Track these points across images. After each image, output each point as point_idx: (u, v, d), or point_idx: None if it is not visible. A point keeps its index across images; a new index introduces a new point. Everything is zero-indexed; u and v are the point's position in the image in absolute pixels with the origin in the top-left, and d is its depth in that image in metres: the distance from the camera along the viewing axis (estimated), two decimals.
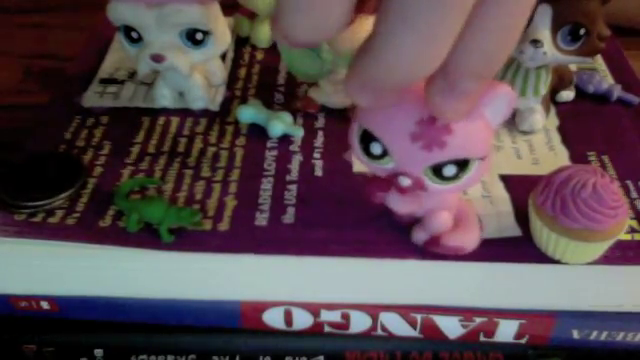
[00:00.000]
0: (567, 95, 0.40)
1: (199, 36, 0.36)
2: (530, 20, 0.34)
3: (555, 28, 0.34)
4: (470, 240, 0.31)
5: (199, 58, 0.37)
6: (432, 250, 0.30)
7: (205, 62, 0.39)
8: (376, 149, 0.27)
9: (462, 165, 0.27)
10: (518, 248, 0.31)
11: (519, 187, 0.34)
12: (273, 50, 0.44)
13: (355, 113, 0.28)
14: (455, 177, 0.27)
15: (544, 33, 0.34)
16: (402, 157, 0.27)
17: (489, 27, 0.20)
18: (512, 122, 0.38)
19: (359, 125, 0.28)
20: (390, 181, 0.28)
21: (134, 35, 0.36)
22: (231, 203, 0.33)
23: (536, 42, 0.34)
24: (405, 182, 0.28)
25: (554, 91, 0.39)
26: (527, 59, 0.35)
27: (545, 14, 0.33)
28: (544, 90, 0.37)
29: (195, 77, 0.39)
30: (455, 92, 0.22)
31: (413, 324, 0.32)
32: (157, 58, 0.36)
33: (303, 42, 0.20)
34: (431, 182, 0.28)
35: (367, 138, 0.28)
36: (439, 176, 0.27)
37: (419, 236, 0.31)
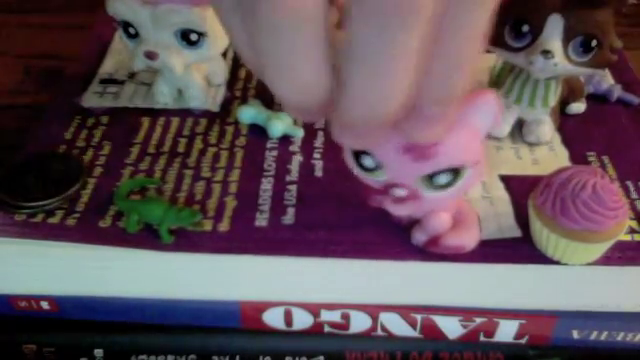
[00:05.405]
0: (577, 107, 0.39)
1: (193, 37, 0.36)
2: (541, 31, 0.33)
3: (567, 39, 0.33)
4: (470, 239, 0.31)
5: (193, 58, 0.37)
6: (432, 250, 0.30)
7: (200, 62, 0.39)
8: (368, 162, 0.28)
9: (455, 173, 0.27)
10: (518, 249, 0.31)
11: (519, 188, 0.34)
12: None
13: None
14: (449, 184, 0.27)
15: (555, 44, 0.33)
16: (394, 169, 0.27)
17: (445, 56, 0.20)
18: (519, 133, 0.38)
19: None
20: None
21: (131, 31, 0.36)
22: (231, 203, 0.33)
23: (547, 53, 0.33)
24: (400, 193, 0.28)
25: (564, 102, 0.39)
26: (537, 70, 0.34)
27: (556, 25, 0.33)
28: (553, 101, 0.37)
29: (193, 76, 0.39)
30: (421, 118, 0.22)
31: (413, 324, 0.32)
32: (150, 55, 0.36)
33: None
34: (426, 191, 0.28)
35: (359, 152, 0.28)
36: (433, 185, 0.27)
37: (419, 237, 0.31)
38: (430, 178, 0.27)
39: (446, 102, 0.22)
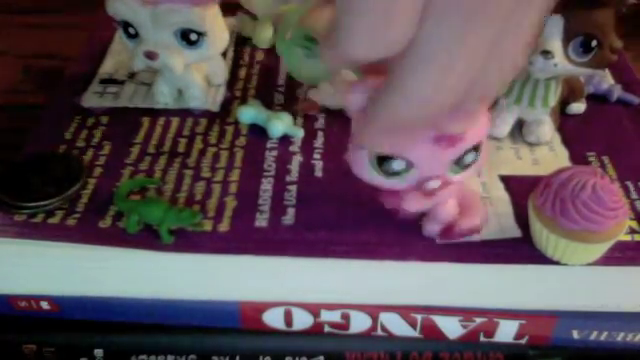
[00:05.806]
0: (577, 107, 0.39)
1: (193, 37, 0.36)
2: (541, 31, 0.33)
3: (567, 39, 0.33)
4: (481, 219, 0.31)
5: (193, 58, 0.37)
6: (448, 238, 0.31)
7: (200, 62, 0.39)
8: (397, 165, 0.27)
9: (476, 149, 0.28)
10: (518, 249, 0.31)
11: (519, 188, 0.34)
12: (273, 51, 0.44)
13: (358, 141, 0.27)
14: (474, 161, 0.28)
15: (555, 44, 0.33)
16: (427, 163, 0.28)
17: (496, 57, 0.20)
18: (519, 133, 0.38)
19: (370, 151, 0.27)
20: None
21: (131, 31, 0.36)
22: (231, 204, 0.33)
23: (547, 53, 0.33)
24: (435, 184, 0.28)
25: (564, 102, 0.39)
26: (537, 70, 0.34)
27: (556, 25, 0.33)
28: (553, 102, 0.37)
29: (193, 76, 0.39)
30: (459, 112, 0.23)
31: (413, 324, 0.32)
32: (150, 55, 0.36)
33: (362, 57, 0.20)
34: (454, 174, 0.28)
35: (384, 158, 0.27)
36: (461, 166, 0.28)
37: (431, 228, 0.31)
38: (459, 161, 0.28)
39: (486, 99, 0.23)
